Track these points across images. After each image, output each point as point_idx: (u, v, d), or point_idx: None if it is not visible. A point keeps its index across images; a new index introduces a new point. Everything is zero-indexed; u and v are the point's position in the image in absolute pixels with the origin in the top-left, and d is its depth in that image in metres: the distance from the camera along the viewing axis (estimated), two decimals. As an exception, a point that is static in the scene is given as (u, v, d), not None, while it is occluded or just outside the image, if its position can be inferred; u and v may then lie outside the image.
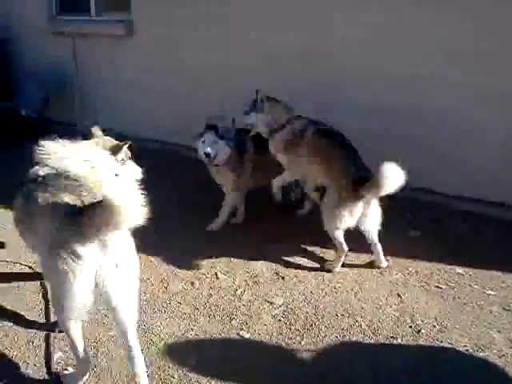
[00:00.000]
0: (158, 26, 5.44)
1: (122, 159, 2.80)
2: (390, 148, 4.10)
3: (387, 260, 3.36)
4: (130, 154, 2.91)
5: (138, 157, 2.93)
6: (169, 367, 2.45)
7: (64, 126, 5.92)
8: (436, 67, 3.96)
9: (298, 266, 3.34)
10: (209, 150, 3.54)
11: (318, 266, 3.35)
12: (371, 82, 4.21)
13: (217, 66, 5.11)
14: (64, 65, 6.17)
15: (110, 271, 2.11)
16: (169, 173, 4.89)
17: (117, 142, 2.78)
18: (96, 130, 2.84)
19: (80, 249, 2.01)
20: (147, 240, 3.54)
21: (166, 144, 5.50)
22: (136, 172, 2.94)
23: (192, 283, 3.15)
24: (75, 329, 2.22)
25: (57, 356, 2.52)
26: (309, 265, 3.36)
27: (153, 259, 3.40)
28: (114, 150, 2.70)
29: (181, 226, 3.89)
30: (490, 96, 3.78)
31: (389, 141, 4.11)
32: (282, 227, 3.78)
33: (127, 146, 2.75)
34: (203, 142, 3.59)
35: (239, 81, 4.91)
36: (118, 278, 2.14)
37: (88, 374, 2.35)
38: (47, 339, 2.59)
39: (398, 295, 3.02)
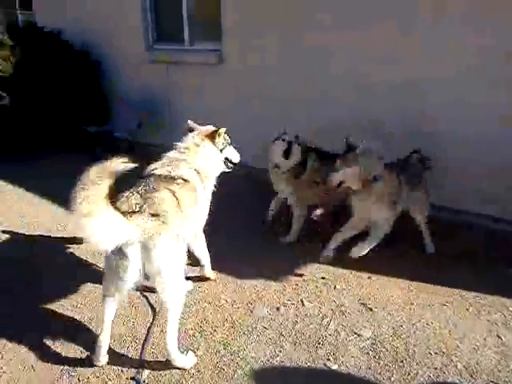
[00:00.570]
0: (246, 54, 5.60)
1: (222, 143, 3.15)
2: (476, 176, 3.97)
3: (484, 298, 3.17)
4: (229, 140, 3.23)
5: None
6: (255, 393, 2.43)
7: (154, 148, 6.20)
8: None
9: (387, 298, 3.22)
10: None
11: (408, 299, 3.21)
12: (457, 112, 4.07)
13: (305, 95, 5.15)
14: (157, 91, 6.50)
15: (154, 276, 2.44)
16: (253, 197, 4.97)
17: (213, 128, 3.14)
18: (191, 123, 3.21)
19: (125, 248, 2.32)
20: (233, 263, 3.63)
21: (251, 168, 5.58)
22: (235, 156, 3.30)
23: (277, 308, 3.13)
24: (108, 312, 2.57)
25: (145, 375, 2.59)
26: (398, 298, 3.22)
27: (239, 282, 3.42)
28: (212, 137, 3.08)
29: (260, 248, 3.89)
30: None
31: (475, 169, 4.03)
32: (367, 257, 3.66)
33: (224, 131, 3.12)
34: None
35: (326, 110, 4.93)
36: (161, 282, 2.46)
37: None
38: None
39: (498, 336, 2.81)
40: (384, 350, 2.73)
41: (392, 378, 2.53)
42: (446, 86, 4.15)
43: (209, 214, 3.13)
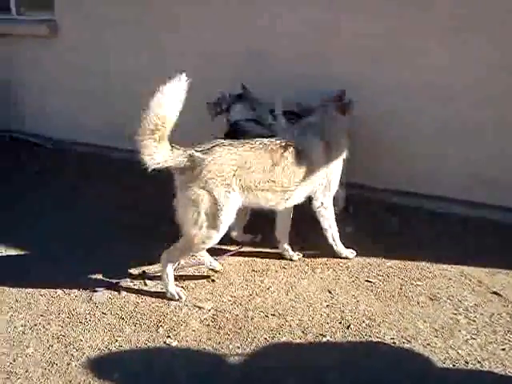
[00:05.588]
0: (83, 25, 5.22)
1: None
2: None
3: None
4: None
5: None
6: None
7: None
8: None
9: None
10: None
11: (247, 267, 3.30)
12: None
13: (149, 71, 4.95)
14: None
15: None
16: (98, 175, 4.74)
17: None
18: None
19: None
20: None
21: (96, 147, 5.31)
22: None
23: (118, 292, 3.03)
24: None
25: None
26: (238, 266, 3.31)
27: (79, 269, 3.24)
28: None
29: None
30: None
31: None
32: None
33: None
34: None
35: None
36: None
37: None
38: None
39: (329, 292, 3.01)
40: (224, 319, 2.78)
41: (231, 346, 2.58)
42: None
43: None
